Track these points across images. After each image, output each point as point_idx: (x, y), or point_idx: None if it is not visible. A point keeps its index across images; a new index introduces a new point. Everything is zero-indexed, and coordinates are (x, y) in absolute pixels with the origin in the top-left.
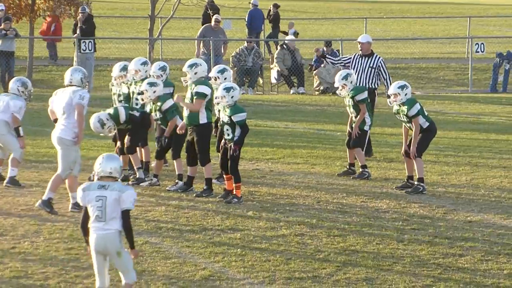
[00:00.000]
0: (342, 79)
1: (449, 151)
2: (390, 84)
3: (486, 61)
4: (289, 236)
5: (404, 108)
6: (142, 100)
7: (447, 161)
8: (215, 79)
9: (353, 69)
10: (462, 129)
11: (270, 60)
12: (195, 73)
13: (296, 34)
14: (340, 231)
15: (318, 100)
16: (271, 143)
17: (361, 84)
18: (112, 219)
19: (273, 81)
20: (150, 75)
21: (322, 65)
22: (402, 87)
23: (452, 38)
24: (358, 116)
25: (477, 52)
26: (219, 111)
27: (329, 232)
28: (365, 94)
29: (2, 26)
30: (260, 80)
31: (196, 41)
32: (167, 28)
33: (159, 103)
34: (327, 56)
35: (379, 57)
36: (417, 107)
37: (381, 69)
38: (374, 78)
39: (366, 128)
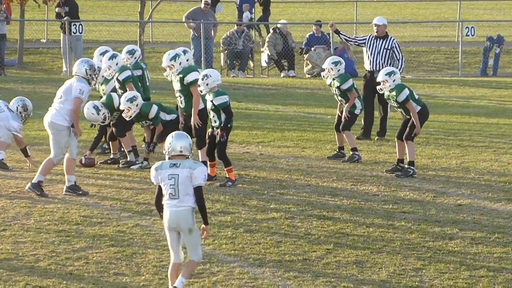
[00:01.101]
0: (332, 63)
1: (439, 134)
2: (403, 65)
3: (476, 44)
4: (279, 219)
5: (393, 94)
6: (130, 117)
7: (437, 145)
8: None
9: (368, 50)
10: (452, 112)
11: (260, 43)
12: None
13: (251, 19)
14: (330, 214)
15: (308, 84)
16: (261, 126)
17: (376, 65)
18: (185, 196)
19: (264, 64)
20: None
21: (313, 49)
22: (389, 74)
23: (442, 22)
24: (347, 103)
25: (467, 35)
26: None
27: (319, 215)
28: (350, 82)
29: None
30: (251, 63)
31: (185, 19)
32: (157, 11)
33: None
34: (340, 33)
35: (393, 39)
36: (406, 92)
37: (395, 50)
38: (389, 59)
39: (356, 111)
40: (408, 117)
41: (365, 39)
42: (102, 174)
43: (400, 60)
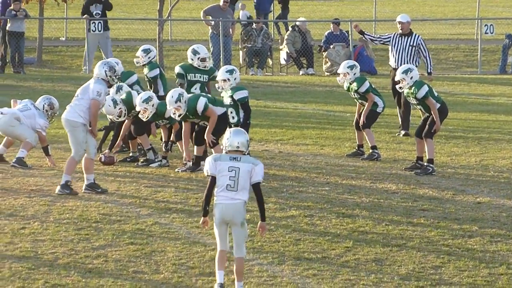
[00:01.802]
0: (348, 67)
1: (459, 132)
2: (430, 61)
3: (495, 42)
4: (298, 217)
5: (412, 90)
6: (146, 118)
7: (456, 142)
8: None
9: (393, 48)
10: (471, 110)
11: (279, 41)
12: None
13: (250, 16)
14: (350, 212)
15: (327, 81)
16: (280, 124)
17: (402, 62)
18: (243, 189)
19: (283, 62)
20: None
21: (331, 46)
22: (406, 72)
23: (461, 19)
24: (366, 105)
25: (486, 33)
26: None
27: (338, 213)
28: (367, 85)
29: (11, 7)
30: (270, 61)
31: (203, 17)
32: (176, 9)
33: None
34: (365, 33)
35: (419, 36)
36: (425, 88)
37: (421, 47)
38: (415, 56)
39: (378, 110)
40: (428, 114)
41: (390, 37)
42: (121, 172)
43: (427, 57)
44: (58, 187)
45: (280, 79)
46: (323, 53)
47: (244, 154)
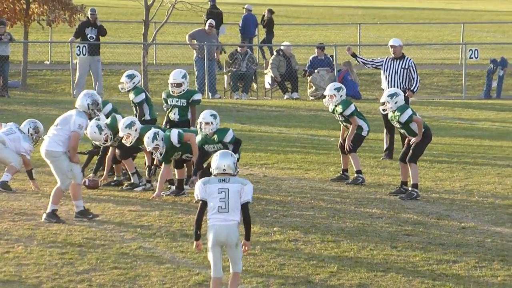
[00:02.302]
0: (335, 89)
1: (443, 157)
2: (417, 83)
3: (480, 67)
4: (283, 241)
5: (396, 114)
6: (130, 143)
7: (441, 167)
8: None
9: (386, 71)
10: (456, 135)
11: (264, 65)
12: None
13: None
14: (334, 236)
15: (312, 106)
16: (265, 148)
17: (394, 85)
18: (234, 210)
19: (267, 86)
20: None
21: (316, 71)
22: (392, 96)
23: (446, 44)
24: (350, 129)
25: (471, 58)
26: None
27: (323, 237)
28: (352, 108)
29: None
30: (254, 85)
31: (188, 41)
32: (161, 33)
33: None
34: (358, 56)
35: (410, 59)
36: (408, 112)
37: (411, 69)
38: (406, 79)
39: (363, 133)
40: (411, 137)
41: (382, 61)
42: (105, 196)
43: (415, 79)
44: (44, 215)
45: (265, 103)
46: (308, 77)
47: (233, 176)
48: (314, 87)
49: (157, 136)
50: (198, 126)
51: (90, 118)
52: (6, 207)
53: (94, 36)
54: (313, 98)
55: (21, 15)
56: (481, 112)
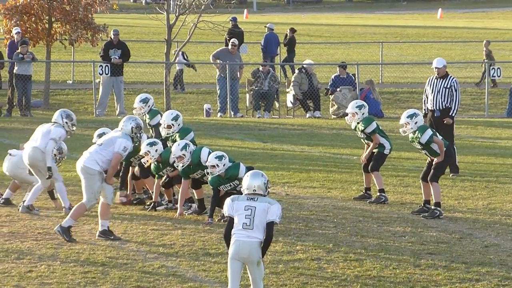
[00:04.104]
0: (356, 107)
1: (466, 175)
2: (457, 105)
3: (502, 85)
4: (305, 260)
5: (417, 135)
6: (146, 162)
7: (463, 186)
8: (169, 127)
9: (429, 89)
10: (478, 153)
11: (286, 84)
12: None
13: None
14: (357, 255)
15: (334, 124)
16: (287, 166)
17: (436, 104)
18: (258, 228)
19: (289, 105)
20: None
21: (338, 89)
22: (411, 116)
23: (468, 63)
24: (371, 146)
25: (493, 77)
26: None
27: (345, 256)
28: (373, 126)
29: (19, 50)
30: (276, 104)
31: (212, 61)
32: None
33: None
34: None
35: (453, 78)
36: (428, 133)
37: (453, 88)
38: (449, 98)
39: (386, 152)
40: (433, 158)
41: (428, 82)
42: (127, 215)
43: (455, 101)
44: (58, 227)
45: (287, 121)
46: (330, 96)
47: (262, 196)
48: (336, 106)
49: (187, 147)
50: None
51: (133, 142)
52: (29, 226)
53: (118, 57)
54: (335, 116)
55: (44, 34)
56: (504, 131)
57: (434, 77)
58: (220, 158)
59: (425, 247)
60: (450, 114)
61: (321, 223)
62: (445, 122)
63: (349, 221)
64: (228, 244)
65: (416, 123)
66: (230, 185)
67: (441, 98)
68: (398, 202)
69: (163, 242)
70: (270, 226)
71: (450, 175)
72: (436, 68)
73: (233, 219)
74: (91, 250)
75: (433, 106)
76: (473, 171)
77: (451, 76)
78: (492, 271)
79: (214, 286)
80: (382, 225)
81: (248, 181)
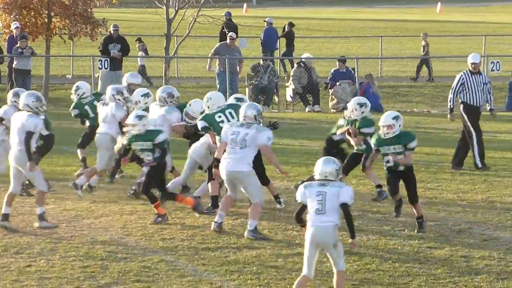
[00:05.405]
0: (357, 104)
1: (465, 169)
2: (491, 100)
3: (501, 79)
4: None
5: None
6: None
7: (463, 180)
8: (136, 103)
9: (470, 86)
10: None
11: (285, 78)
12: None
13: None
14: (356, 249)
15: (333, 118)
16: (286, 161)
17: (477, 101)
18: (331, 212)
19: (289, 99)
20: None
21: (338, 84)
22: (396, 118)
23: (467, 57)
24: (356, 139)
25: (492, 70)
26: None
27: (345, 250)
28: (371, 130)
29: (18, 44)
30: (276, 98)
31: (210, 55)
32: (182, 46)
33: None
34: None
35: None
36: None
37: (489, 84)
38: (485, 94)
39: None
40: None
41: (462, 78)
42: (127, 210)
43: (490, 96)
44: (247, 233)
45: (287, 116)
46: (329, 90)
47: (333, 181)
48: (335, 100)
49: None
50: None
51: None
52: (28, 221)
53: (117, 52)
54: (334, 110)
55: (43, 29)
56: (503, 125)
57: (469, 73)
58: (140, 117)
59: (424, 241)
60: (492, 108)
61: None
62: (494, 116)
63: None
64: (298, 222)
65: (400, 125)
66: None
67: (482, 94)
68: None
69: (162, 237)
70: (344, 207)
71: (450, 168)
72: (473, 63)
73: (305, 205)
74: (91, 244)
75: (477, 102)
76: (472, 165)
77: (481, 72)
78: (491, 265)
79: (213, 280)
80: (381, 219)
81: (321, 167)
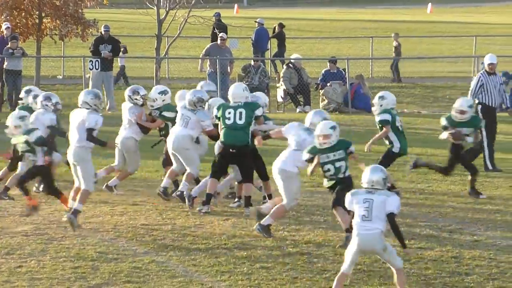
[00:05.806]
0: (379, 99)
1: (455, 170)
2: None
3: None
4: (295, 255)
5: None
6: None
7: (453, 180)
8: (154, 101)
9: (489, 87)
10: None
11: (276, 78)
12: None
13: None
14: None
15: None
16: None
17: (494, 101)
18: (377, 219)
19: (280, 100)
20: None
21: (328, 84)
22: (333, 128)
23: (458, 57)
24: (377, 135)
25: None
26: None
27: (335, 250)
28: (385, 116)
29: (9, 45)
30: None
31: (201, 57)
32: (173, 47)
33: None
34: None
35: (498, 74)
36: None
37: (504, 84)
38: (501, 94)
39: (395, 150)
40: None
41: (481, 80)
42: (118, 210)
43: (505, 93)
44: (257, 225)
45: (277, 116)
46: (320, 91)
47: (380, 190)
48: (326, 101)
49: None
50: None
51: None
52: (19, 221)
53: (108, 53)
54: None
55: (34, 29)
56: (498, 125)
57: (486, 74)
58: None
59: (415, 242)
60: (509, 106)
61: (311, 218)
62: (510, 115)
63: None
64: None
65: (337, 136)
66: None
67: (498, 93)
68: None
69: (154, 237)
70: (390, 217)
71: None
72: (491, 64)
73: (353, 212)
74: (81, 245)
75: (494, 103)
76: (462, 166)
77: (496, 72)
78: (482, 265)
79: (204, 281)
80: None
81: (368, 175)
